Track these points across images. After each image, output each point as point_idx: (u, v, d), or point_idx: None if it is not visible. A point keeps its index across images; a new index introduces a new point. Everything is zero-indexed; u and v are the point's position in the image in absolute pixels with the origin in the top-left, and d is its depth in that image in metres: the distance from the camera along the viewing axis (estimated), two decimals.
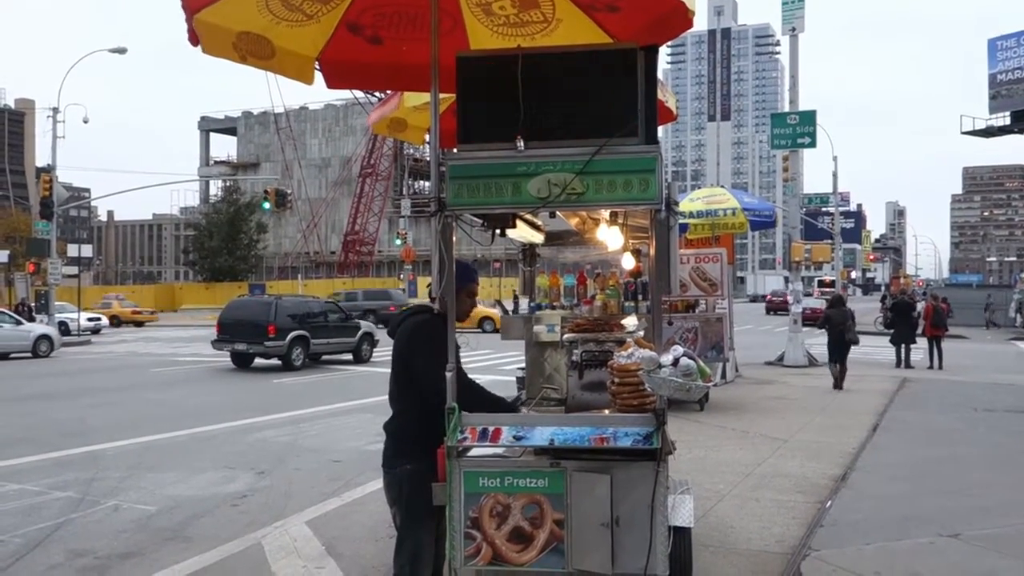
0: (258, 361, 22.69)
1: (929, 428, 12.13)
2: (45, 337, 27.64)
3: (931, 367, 21.33)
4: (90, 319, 39.93)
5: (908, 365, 21.41)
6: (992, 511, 7.51)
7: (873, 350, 25.07)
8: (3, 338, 26.26)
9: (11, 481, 8.85)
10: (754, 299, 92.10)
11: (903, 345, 21.69)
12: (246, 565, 6.20)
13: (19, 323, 27.88)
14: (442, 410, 4.04)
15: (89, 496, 8.24)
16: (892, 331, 22.51)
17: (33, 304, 38.37)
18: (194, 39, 4.17)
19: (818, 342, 28.70)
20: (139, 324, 49.00)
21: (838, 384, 16.63)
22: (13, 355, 26.37)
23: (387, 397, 4.43)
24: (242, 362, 22.36)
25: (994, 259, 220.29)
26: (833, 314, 17.24)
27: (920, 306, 25.06)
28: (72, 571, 6.08)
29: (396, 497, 4.27)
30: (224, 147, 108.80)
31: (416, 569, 4.22)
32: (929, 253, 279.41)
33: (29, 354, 26.68)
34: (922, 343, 22.43)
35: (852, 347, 16.86)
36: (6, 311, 29.77)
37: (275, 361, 21.93)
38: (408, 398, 4.27)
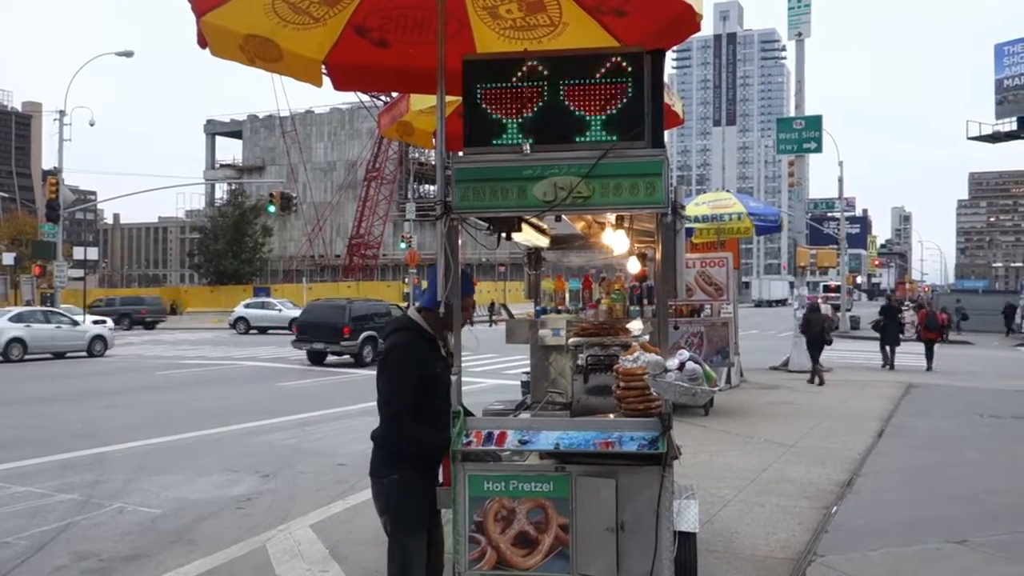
0: (266, 364, 22.87)
1: (935, 434, 12.09)
2: (99, 337, 28.62)
3: (927, 369, 22.37)
4: (95, 322, 39.97)
5: (892, 366, 22.59)
6: (999, 517, 7.48)
7: (876, 355, 25.06)
8: (62, 338, 27.28)
9: (17, 483, 8.86)
10: (759, 304, 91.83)
11: (889, 347, 22.83)
12: (250, 568, 6.20)
13: (76, 324, 28.84)
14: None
15: (94, 499, 8.24)
16: (880, 334, 23.52)
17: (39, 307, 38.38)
18: (202, 41, 4.19)
19: None
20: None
21: (820, 381, 18.22)
22: (69, 354, 27.23)
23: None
24: (317, 359, 23.99)
25: (1000, 264, 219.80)
26: (813, 318, 19.14)
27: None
28: (76, 573, 6.09)
29: (384, 507, 4.24)
30: (229, 150, 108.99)
31: None
32: (935, 258, 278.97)
33: (85, 353, 27.58)
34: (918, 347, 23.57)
35: (826, 347, 18.99)
36: (64, 312, 30.85)
37: (347, 358, 23.73)
38: None
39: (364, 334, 23.20)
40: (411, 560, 4.19)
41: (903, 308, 27.12)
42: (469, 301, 4.46)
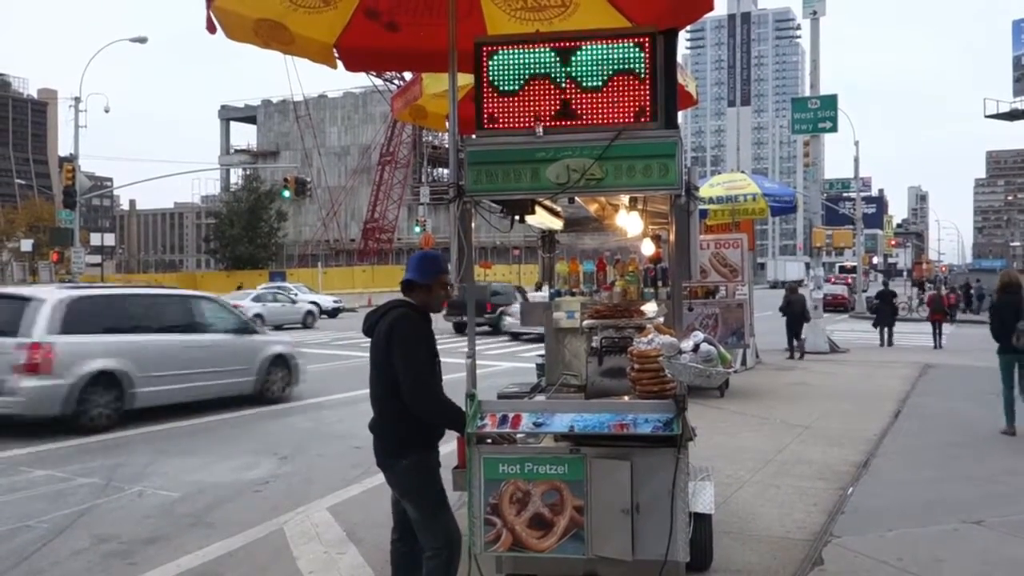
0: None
1: (951, 414, 12.03)
2: (311, 313, 35.64)
3: (935, 347, 23.51)
4: None
5: (890, 344, 23.99)
6: (1015, 498, 7.45)
7: (904, 337, 25.22)
8: (286, 313, 34.24)
9: (37, 467, 8.95)
10: (774, 285, 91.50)
11: (885, 327, 24.49)
12: (268, 550, 6.25)
13: (294, 302, 35.71)
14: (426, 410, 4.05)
15: (114, 482, 8.32)
16: (876, 315, 25.33)
17: None
18: (211, 27, 4.18)
19: (838, 328, 28.66)
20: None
21: (793, 355, 19.89)
22: (286, 326, 32.86)
23: (376, 393, 4.29)
24: (462, 329, 27.14)
25: (1018, 243, 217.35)
26: (794, 299, 20.67)
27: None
28: (97, 556, 6.15)
29: (403, 493, 4.24)
30: (244, 136, 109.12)
31: (454, 550, 4.17)
32: (952, 238, 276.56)
33: (300, 325, 34.19)
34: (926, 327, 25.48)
35: (804, 324, 20.72)
36: (286, 292, 37.80)
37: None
38: (390, 397, 4.13)
39: (499, 309, 28.59)
40: (452, 529, 4.19)
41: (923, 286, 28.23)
42: (446, 278, 4.34)
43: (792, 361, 19.38)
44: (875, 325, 24.93)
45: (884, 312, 24.98)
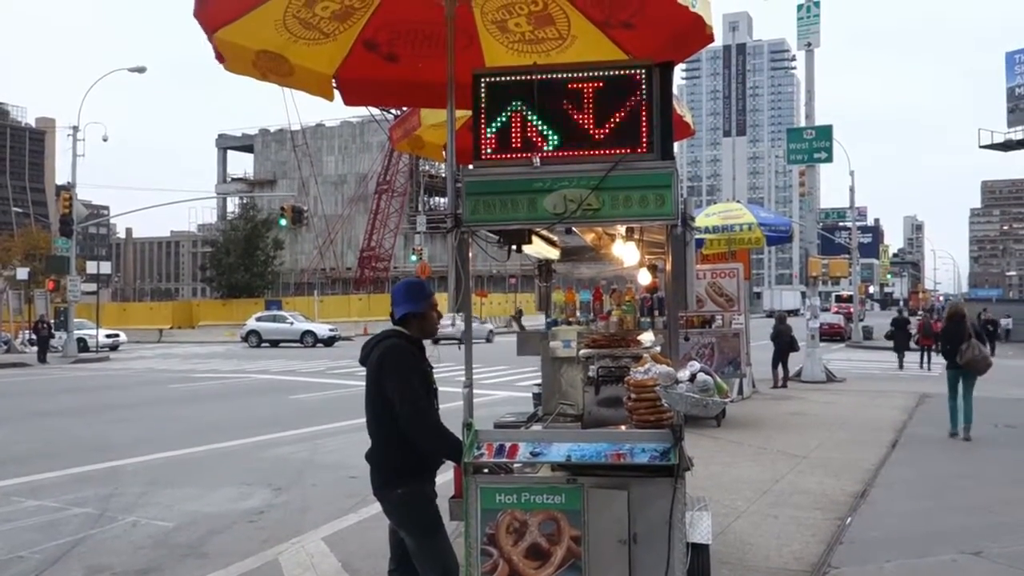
0: (278, 377, 22.99)
1: (949, 444, 12.01)
2: (309, 332, 41.06)
3: (922, 368, 25.74)
4: (108, 335, 40.19)
5: (900, 368, 26.15)
6: (1014, 528, 7.42)
7: (888, 363, 25.43)
8: (282, 331, 41.25)
9: (30, 497, 8.90)
10: (771, 314, 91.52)
11: (901, 351, 27.17)
12: None
13: (292, 324, 42.26)
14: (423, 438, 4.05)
15: (107, 512, 8.27)
16: (892, 341, 28.36)
17: (52, 321, 38.52)
18: (220, 57, 4.25)
19: (835, 357, 28.70)
20: None
21: (784, 384, 20.09)
22: (282, 344, 40.69)
23: (372, 422, 4.28)
24: None
25: (1014, 273, 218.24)
26: (782, 329, 21.20)
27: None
28: None
29: (400, 522, 4.23)
30: (241, 164, 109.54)
31: None
32: (948, 267, 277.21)
33: (299, 344, 40.28)
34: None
35: (792, 353, 21.10)
36: (289, 315, 44.48)
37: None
38: (386, 426, 4.14)
39: None
40: (448, 559, 4.18)
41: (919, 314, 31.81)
42: (435, 300, 4.39)
43: (788, 390, 19.35)
44: (894, 349, 27.55)
45: (899, 338, 27.65)
